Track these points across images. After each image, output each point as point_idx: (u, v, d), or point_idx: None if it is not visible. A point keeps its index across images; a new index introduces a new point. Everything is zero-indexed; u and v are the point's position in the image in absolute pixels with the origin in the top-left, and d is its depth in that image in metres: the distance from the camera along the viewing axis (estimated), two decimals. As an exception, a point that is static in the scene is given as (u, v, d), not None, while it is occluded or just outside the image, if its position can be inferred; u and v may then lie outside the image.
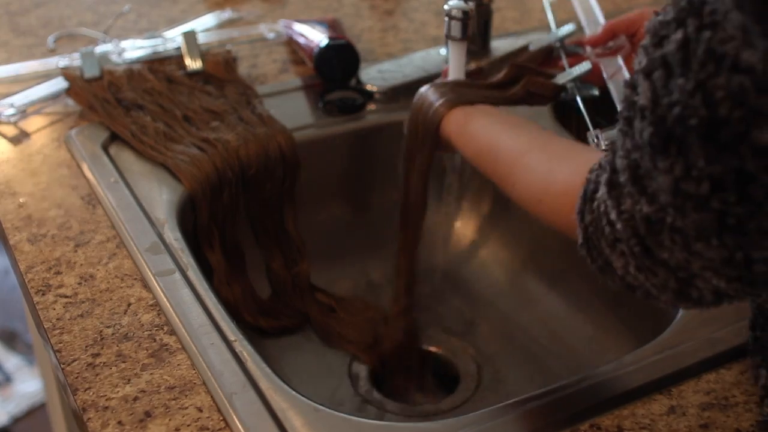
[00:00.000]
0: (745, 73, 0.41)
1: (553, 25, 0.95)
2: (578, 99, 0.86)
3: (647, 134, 0.46)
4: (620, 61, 0.86)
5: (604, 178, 0.53)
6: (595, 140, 0.81)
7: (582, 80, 0.86)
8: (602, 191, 0.54)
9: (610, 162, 0.53)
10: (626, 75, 0.84)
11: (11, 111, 1.06)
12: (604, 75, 0.86)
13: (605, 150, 0.77)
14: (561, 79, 0.86)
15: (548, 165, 0.66)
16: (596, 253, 0.56)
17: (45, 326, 0.76)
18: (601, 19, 0.91)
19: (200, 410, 0.67)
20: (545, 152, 0.68)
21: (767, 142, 0.41)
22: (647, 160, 0.47)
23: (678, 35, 0.44)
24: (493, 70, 1.08)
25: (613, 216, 0.52)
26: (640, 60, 0.48)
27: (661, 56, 0.45)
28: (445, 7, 0.88)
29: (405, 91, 1.11)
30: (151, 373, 0.70)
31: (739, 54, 0.41)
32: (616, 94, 0.84)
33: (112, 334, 0.74)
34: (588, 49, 0.89)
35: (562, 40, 0.92)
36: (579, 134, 1.09)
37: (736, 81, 0.41)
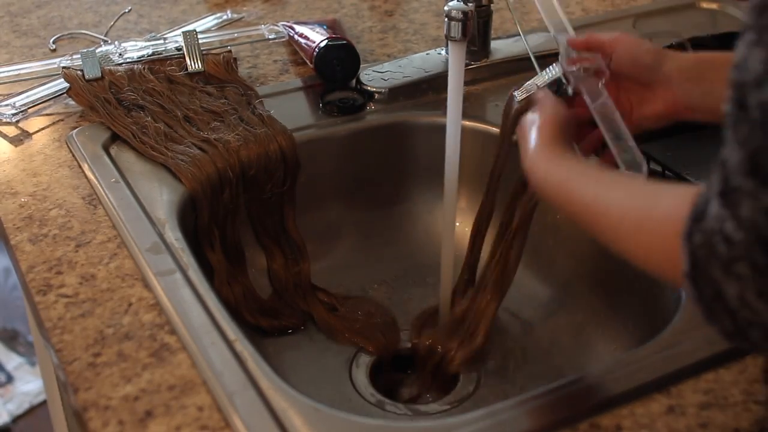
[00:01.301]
0: None
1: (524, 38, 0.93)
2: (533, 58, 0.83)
3: None
4: (601, 85, 0.81)
5: (714, 189, 0.48)
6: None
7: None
8: (715, 205, 0.48)
9: (720, 172, 0.48)
10: (609, 101, 0.81)
11: (12, 111, 1.06)
12: (587, 100, 0.81)
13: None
14: (535, 81, 0.84)
15: (645, 196, 0.60)
16: (705, 281, 0.49)
17: (46, 326, 0.76)
18: (571, 31, 0.87)
19: (201, 410, 0.67)
20: (642, 189, 0.63)
21: None
22: None
23: None
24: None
25: (729, 227, 0.47)
26: (745, 38, 0.46)
27: None
28: (445, 8, 0.88)
29: (405, 91, 1.12)
30: (152, 373, 0.70)
31: None
32: (602, 122, 0.79)
33: (113, 333, 0.74)
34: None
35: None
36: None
37: None
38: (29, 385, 2.05)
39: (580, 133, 0.82)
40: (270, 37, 1.25)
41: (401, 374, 0.98)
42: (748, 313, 0.47)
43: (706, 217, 0.49)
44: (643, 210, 0.58)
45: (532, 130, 0.76)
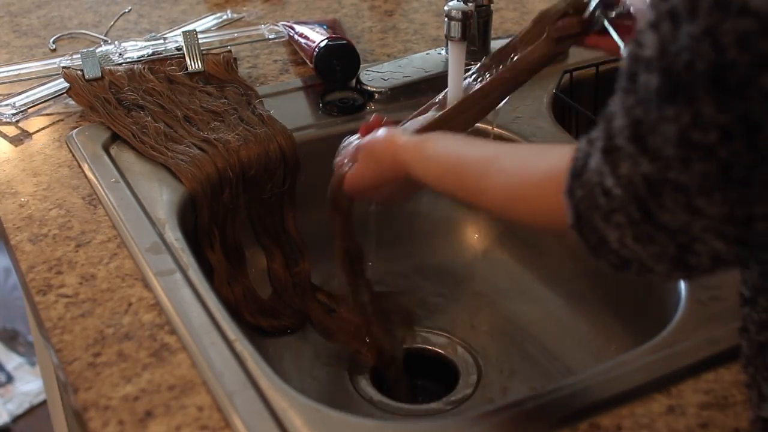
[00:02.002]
0: (752, 17, 0.41)
1: None
2: (607, 24, 0.81)
3: (654, 84, 0.46)
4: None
5: (598, 146, 0.52)
6: None
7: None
8: (596, 160, 0.52)
9: (605, 129, 0.52)
10: None
11: (12, 111, 1.06)
12: (617, 39, 0.81)
13: None
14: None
15: (525, 161, 0.64)
16: (589, 230, 0.54)
17: (46, 326, 0.76)
18: None
19: (201, 410, 0.67)
20: (516, 154, 0.67)
21: None
22: (653, 112, 0.47)
23: None
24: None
25: (609, 183, 0.51)
26: (647, 16, 0.47)
27: (669, 7, 0.46)
28: (445, 8, 0.88)
29: (405, 91, 1.12)
30: (152, 373, 0.70)
31: None
32: None
33: (113, 333, 0.74)
34: None
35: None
36: (579, 136, 1.10)
37: (744, 25, 0.42)
38: (29, 385, 2.05)
39: None
40: (270, 37, 1.25)
41: (401, 374, 0.98)
42: (627, 252, 0.53)
43: (586, 170, 0.53)
44: (521, 179, 0.63)
45: (391, 132, 0.80)
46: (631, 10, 0.81)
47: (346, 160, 0.85)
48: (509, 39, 0.88)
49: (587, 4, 0.82)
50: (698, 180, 0.46)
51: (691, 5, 0.44)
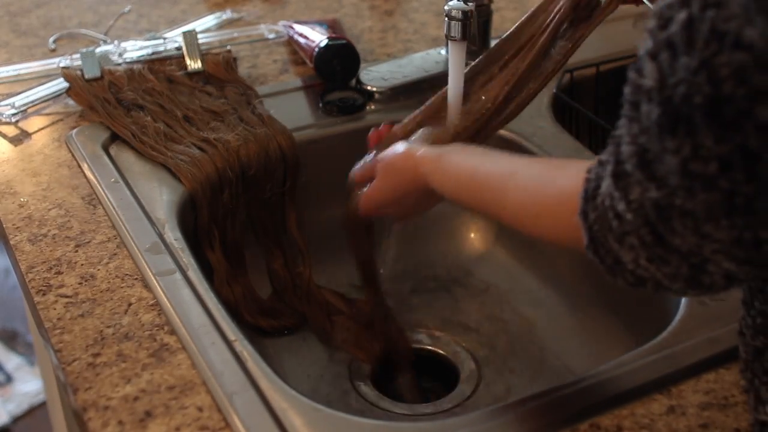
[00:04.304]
0: (746, 50, 0.42)
1: None
2: None
3: (655, 115, 0.47)
4: None
5: (608, 170, 0.53)
6: None
7: None
8: (607, 184, 0.53)
9: (614, 153, 0.52)
10: None
11: (12, 111, 1.06)
12: None
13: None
14: None
15: (540, 179, 0.65)
16: (604, 251, 0.55)
17: (45, 326, 0.76)
18: None
19: (200, 410, 0.67)
20: (533, 169, 0.67)
21: None
22: (655, 143, 0.47)
23: (682, 15, 0.45)
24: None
25: (620, 207, 0.52)
26: (646, 43, 0.48)
27: (666, 37, 0.46)
28: (445, 7, 0.88)
29: (405, 91, 1.12)
30: (152, 373, 0.70)
31: (740, 31, 0.42)
32: None
33: (113, 333, 0.74)
34: None
35: None
36: (579, 136, 1.10)
37: (738, 58, 0.42)
38: (29, 385, 2.05)
39: None
40: (270, 36, 1.25)
41: (401, 374, 0.98)
42: (642, 272, 0.54)
43: (599, 194, 0.54)
44: (537, 198, 0.64)
45: (410, 145, 0.80)
46: None
47: (362, 180, 0.85)
48: (499, 39, 0.88)
49: None
50: (703, 207, 0.47)
51: (687, 37, 0.44)
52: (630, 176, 0.51)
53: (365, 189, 0.83)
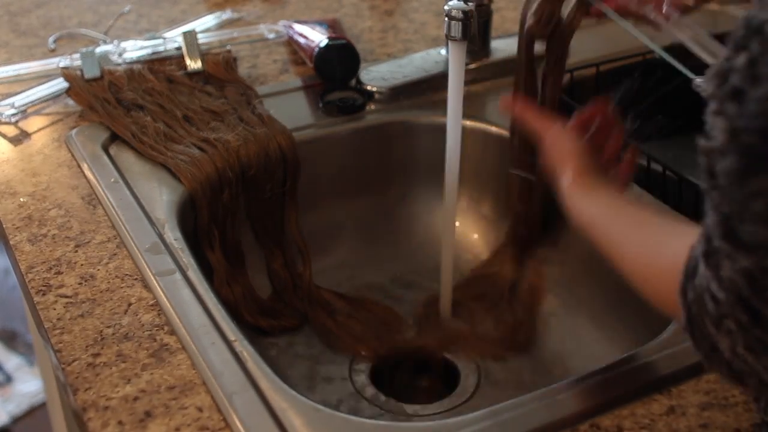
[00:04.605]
0: None
1: None
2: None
3: (733, 164, 0.45)
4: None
5: (700, 250, 0.51)
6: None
7: None
8: (701, 264, 0.50)
9: (704, 233, 0.50)
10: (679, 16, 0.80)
11: (12, 111, 1.06)
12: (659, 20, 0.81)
13: None
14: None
15: (656, 245, 0.63)
16: (701, 335, 0.52)
17: (45, 326, 0.76)
18: None
19: (200, 410, 0.67)
20: (652, 232, 0.65)
21: None
22: (737, 194, 0.45)
23: (742, 59, 0.44)
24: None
25: (714, 287, 0.49)
26: (709, 108, 0.47)
27: (729, 89, 0.45)
28: (446, 7, 0.88)
29: (405, 91, 1.11)
30: (152, 373, 0.70)
31: None
32: (680, 34, 0.79)
33: (113, 334, 0.74)
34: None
35: None
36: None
37: None
38: (29, 385, 2.05)
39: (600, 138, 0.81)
40: (270, 36, 1.25)
41: (401, 374, 0.98)
42: (740, 364, 0.50)
43: (697, 274, 0.51)
44: (648, 263, 0.62)
45: (565, 162, 0.77)
46: None
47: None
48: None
49: None
50: None
51: (752, 73, 0.43)
52: (719, 252, 0.48)
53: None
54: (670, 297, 0.55)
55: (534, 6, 0.86)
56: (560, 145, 0.79)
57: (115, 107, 1.03)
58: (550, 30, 0.86)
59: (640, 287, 0.63)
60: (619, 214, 0.70)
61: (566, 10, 0.86)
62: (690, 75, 0.78)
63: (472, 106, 1.08)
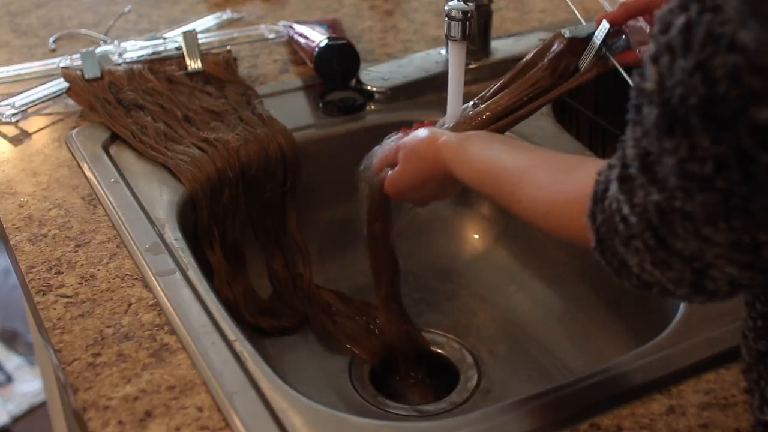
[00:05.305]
0: (739, 53, 0.42)
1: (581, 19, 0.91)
2: (616, 63, 0.83)
3: (654, 117, 0.48)
4: (647, 28, 0.83)
5: (615, 173, 0.54)
6: None
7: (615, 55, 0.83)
8: (614, 188, 0.54)
9: (620, 157, 0.53)
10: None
11: (12, 111, 1.06)
12: (633, 46, 0.83)
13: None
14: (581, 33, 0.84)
15: (554, 176, 0.66)
16: (610, 254, 0.56)
17: (45, 326, 0.76)
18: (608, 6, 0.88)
19: (200, 410, 0.67)
20: (550, 166, 0.69)
21: (763, 121, 0.43)
22: (655, 144, 0.48)
23: (681, 19, 0.46)
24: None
25: (626, 211, 0.53)
26: (650, 47, 0.49)
27: (666, 41, 0.47)
28: (445, 7, 0.88)
29: (405, 91, 1.12)
30: (152, 373, 0.70)
31: (735, 34, 0.43)
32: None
33: (113, 333, 0.74)
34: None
35: (604, 37, 0.84)
36: (579, 136, 1.10)
37: (732, 60, 0.43)
38: (29, 385, 2.05)
39: None
40: (270, 36, 1.25)
41: (401, 374, 0.98)
42: (648, 276, 0.55)
43: (607, 197, 0.55)
44: (550, 196, 0.65)
45: (432, 130, 0.81)
46: (631, 41, 0.83)
47: (383, 164, 0.85)
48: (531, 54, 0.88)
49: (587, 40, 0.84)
50: (702, 209, 0.47)
51: (685, 40, 0.45)
52: (634, 180, 0.52)
53: (389, 173, 0.83)
54: (574, 223, 0.60)
55: (548, 58, 0.85)
56: (419, 131, 0.82)
57: (115, 107, 1.03)
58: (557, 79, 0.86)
59: (542, 222, 0.67)
60: (513, 156, 0.73)
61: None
62: None
63: (472, 106, 1.08)
